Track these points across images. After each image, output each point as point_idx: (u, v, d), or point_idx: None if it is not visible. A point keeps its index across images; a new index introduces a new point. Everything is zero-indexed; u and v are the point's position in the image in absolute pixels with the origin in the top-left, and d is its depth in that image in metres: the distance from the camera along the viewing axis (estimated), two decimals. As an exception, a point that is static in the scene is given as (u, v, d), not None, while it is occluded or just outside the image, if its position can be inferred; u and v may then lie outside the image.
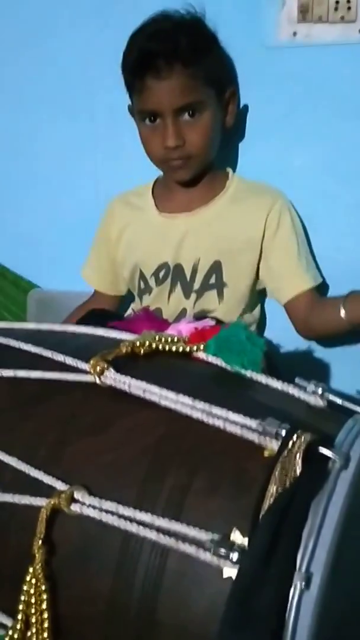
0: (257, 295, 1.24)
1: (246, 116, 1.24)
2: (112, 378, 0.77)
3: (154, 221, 1.23)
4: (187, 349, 0.83)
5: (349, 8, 1.15)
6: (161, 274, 1.21)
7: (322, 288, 1.22)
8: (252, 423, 0.70)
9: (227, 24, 1.17)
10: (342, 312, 1.08)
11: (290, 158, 1.23)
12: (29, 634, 0.71)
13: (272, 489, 0.65)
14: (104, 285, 1.33)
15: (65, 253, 1.43)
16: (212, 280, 1.19)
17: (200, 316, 0.99)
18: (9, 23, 1.38)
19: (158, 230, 1.22)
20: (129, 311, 1.32)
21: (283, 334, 1.25)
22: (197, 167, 1.18)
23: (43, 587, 0.70)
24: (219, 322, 0.95)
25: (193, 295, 1.20)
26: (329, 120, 1.20)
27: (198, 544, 0.66)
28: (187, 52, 1.09)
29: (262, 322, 1.28)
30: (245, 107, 1.24)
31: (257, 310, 1.25)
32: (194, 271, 1.19)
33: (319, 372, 1.25)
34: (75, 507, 0.70)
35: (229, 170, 1.24)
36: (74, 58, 1.34)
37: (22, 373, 0.81)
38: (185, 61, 1.09)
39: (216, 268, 1.19)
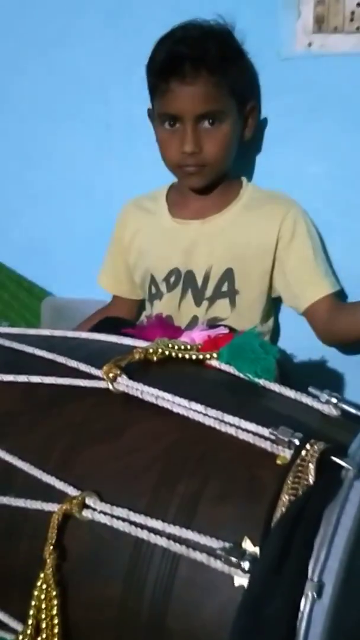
0: (271, 304, 1.24)
1: (262, 125, 1.24)
2: (125, 384, 0.78)
3: (167, 226, 1.24)
4: (200, 356, 0.83)
5: (364, 19, 1.15)
6: (172, 279, 1.22)
7: (339, 296, 1.22)
8: (265, 431, 0.70)
9: (242, 34, 1.18)
10: None
11: (306, 167, 1.23)
12: (39, 639, 0.71)
13: (285, 497, 0.65)
14: (121, 290, 1.33)
15: (79, 261, 1.44)
16: (224, 288, 1.19)
17: (213, 324, 0.99)
18: (26, 33, 1.39)
19: (170, 236, 1.23)
20: (141, 318, 1.32)
21: (296, 342, 1.25)
22: (211, 176, 1.18)
23: (54, 593, 0.70)
24: (232, 330, 0.95)
25: (205, 303, 1.20)
26: (344, 130, 1.20)
27: (209, 551, 0.66)
28: (215, 60, 1.10)
29: (275, 331, 1.28)
30: (262, 115, 1.24)
31: (271, 321, 1.25)
32: (206, 278, 1.20)
33: (332, 381, 1.24)
34: (86, 513, 0.70)
35: (244, 178, 1.25)
36: (90, 67, 1.36)
37: (35, 378, 0.82)
38: (211, 69, 1.09)
39: (228, 275, 1.19)
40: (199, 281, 1.20)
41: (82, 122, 1.39)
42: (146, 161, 1.26)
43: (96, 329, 1.05)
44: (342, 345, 1.23)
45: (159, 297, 1.23)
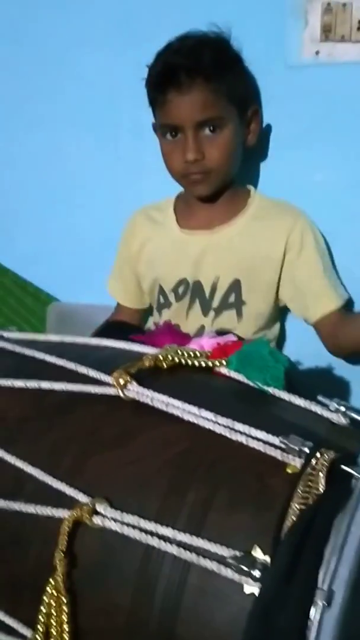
0: (276, 313, 1.24)
1: (268, 133, 1.25)
2: (135, 391, 0.78)
3: (175, 237, 1.24)
4: (210, 363, 0.84)
5: (371, 28, 1.16)
6: (180, 289, 1.22)
7: (347, 304, 1.22)
8: (275, 440, 0.70)
9: (251, 42, 1.18)
10: None
11: (311, 174, 1.24)
12: (48, 645, 0.71)
13: (295, 506, 0.65)
14: (127, 299, 1.33)
15: (85, 267, 1.45)
16: (232, 299, 1.19)
17: (222, 331, 0.99)
18: (34, 40, 1.40)
19: (178, 247, 1.23)
20: (149, 324, 1.32)
21: (301, 349, 1.25)
22: (216, 183, 1.18)
23: (63, 599, 0.70)
24: (240, 337, 0.95)
25: (211, 313, 1.20)
26: (351, 138, 1.21)
27: (219, 560, 0.66)
28: (209, 67, 1.10)
29: (281, 339, 1.28)
30: (268, 124, 1.24)
31: (277, 327, 1.25)
32: (213, 289, 1.20)
33: (337, 388, 1.24)
34: (97, 520, 0.70)
35: (250, 187, 1.25)
36: (97, 77, 1.36)
37: (46, 385, 0.82)
38: (206, 76, 1.10)
39: (235, 286, 1.19)
40: (207, 292, 1.20)
41: (89, 130, 1.39)
42: (153, 169, 1.26)
43: (102, 333, 1.05)
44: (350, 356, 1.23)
45: (167, 306, 1.24)
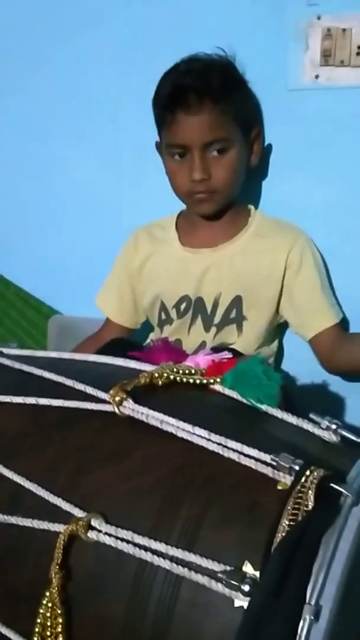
0: (276, 329, 1.26)
1: (269, 154, 1.27)
2: (131, 408, 0.79)
3: (178, 255, 1.26)
4: (204, 381, 0.85)
5: (369, 53, 1.18)
6: (182, 306, 1.24)
7: (343, 324, 1.24)
8: (267, 457, 0.72)
9: (253, 66, 1.21)
10: None
11: (311, 195, 1.26)
12: (43, 657, 0.73)
13: (285, 522, 0.67)
14: (119, 316, 1.33)
15: (86, 280, 1.46)
16: (233, 314, 1.21)
17: (218, 348, 1.01)
18: (38, 55, 1.42)
19: (181, 265, 1.25)
20: (148, 341, 1.34)
21: (299, 365, 1.27)
22: (221, 202, 1.21)
23: (59, 611, 0.72)
24: (237, 354, 0.97)
25: (213, 329, 1.22)
26: (349, 160, 1.23)
27: (210, 574, 0.67)
28: (218, 90, 1.13)
29: (279, 355, 1.30)
30: (269, 145, 1.27)
31: (275, 343, 1.27)
32: (215, 305, 1.22)
33: (334, 405, 1.26)
34: (92, 534, 0.72)
35: (251, 206, 1.27)
36: (102, 93, 1.39)
37: (44, 401, 0.84)
38: (215, 98, 1.13)
39: (237, 302, 1.21)
40: (209, 308, 1.22)
41: (92, 145, 1.42)
42: (155, 185, 1.28)
43: (104, 351, 1.07)
44: (345, 376, 1.25)
45: (168, 322, 1.25)
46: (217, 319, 1.22)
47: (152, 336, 1.32)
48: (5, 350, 0.98)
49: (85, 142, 1.43)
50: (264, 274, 1.21)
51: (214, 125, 1.14)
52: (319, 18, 1.19)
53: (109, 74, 1.38)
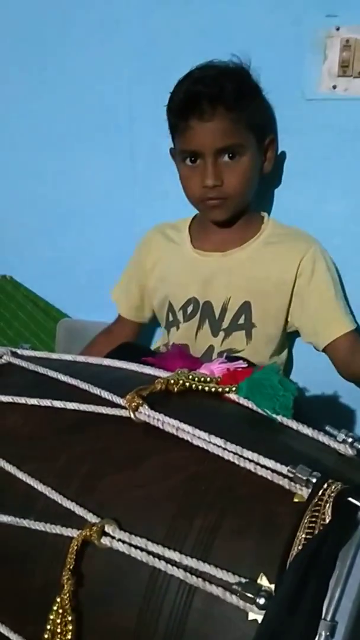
0: (285, 338, 1.26)
1: (284, 162, 1.27)
2: (147, 414, 0.79)
3: (188, 256, 1.26)
4: (219, 389, 0.85)
5: (386, 65, 1.18)
6: (189, 309, 1.24)
7: (358, 331, 1.23)
8: (283, 469, 0.71)
9: (271, 75, 1.21)
10: None
11: (325, 205, 1.26)
12: (52, 663, 0.72)
13: (301, 536, 0.66)
14: (128, 311, 1.36)
15: (96, 285, 1.47)
16: (241, 320, 1.21)
17: (232, 356, 1.01)
18: (54, 61, 1.42)
19: (189, 266, 1.25)
20: (156, 345, 1.34)
21: (309, 376, 1.26)
22: (233, 208, 1.21)
23: (69, 618, 0.71)
24: (250, 364, 0.97)
25: (221, 334, 1.22)
26: (363, 171, 1.23)
27: (225, 586, 0.66)
28: (231, 97, 1.13)
29: (288, 365, 1.30)
30: (284, 153, 1.27)
31: (285, 353, 1.27)
32: (224, 310, 1.22)
33: (343, 416, 1.26)
34: (105, 541, 0.71)
35: (264, 214, 1.27)
36: (117, 98, 1.38)
37: (59, 404, 0.83)
38: (228, 105, 1.13)
39: (246, 309, 1.21)
40: (217, 312, 1.22)
41: (107, 150, 1.41)
42: (168, 191, 1.28)
43: (116, 355, 1.07)
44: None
45: (175, 325, 1.25)
46: (225, 324, 1.21)
47: (160, 341, 1.32)
48: (20, 351, 0.97)
49: (100, 148, 1.42)
50: (274, 281, 1.20)
51: (227, 132, 1.14)
52: (337, 29, 1.19)
53: (125, 80, 1.37)
